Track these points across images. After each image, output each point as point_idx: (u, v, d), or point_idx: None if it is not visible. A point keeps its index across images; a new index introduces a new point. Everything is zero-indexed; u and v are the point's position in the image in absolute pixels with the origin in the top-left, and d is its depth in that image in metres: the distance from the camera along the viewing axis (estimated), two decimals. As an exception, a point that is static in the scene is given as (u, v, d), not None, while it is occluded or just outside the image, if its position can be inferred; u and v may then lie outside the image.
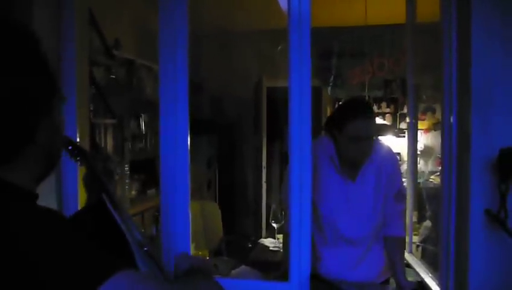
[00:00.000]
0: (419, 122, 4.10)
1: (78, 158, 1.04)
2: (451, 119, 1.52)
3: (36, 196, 0.74)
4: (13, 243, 0.61)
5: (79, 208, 1.75)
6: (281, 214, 2.75)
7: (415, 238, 2.75)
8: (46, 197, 1.67)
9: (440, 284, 1.62)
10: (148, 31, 1.98)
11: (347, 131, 1.77)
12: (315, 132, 1.76)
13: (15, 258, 0.60)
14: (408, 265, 2.13)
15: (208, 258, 2.39)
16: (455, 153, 1.50)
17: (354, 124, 1.76)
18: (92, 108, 2.73)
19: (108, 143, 3.21)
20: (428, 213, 3.11)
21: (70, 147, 1.04)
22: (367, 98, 4.50)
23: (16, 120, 0.66)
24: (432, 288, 1.73)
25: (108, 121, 3.19)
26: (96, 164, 1.09)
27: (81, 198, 1.79)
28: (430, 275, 1.88)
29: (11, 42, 0.68)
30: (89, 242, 0.65)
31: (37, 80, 0.69)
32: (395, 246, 1.91)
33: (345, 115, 1.81)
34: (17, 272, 0.60)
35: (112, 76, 3.31)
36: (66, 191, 1.75)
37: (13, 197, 0.68)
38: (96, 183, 1.05)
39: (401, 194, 1.93)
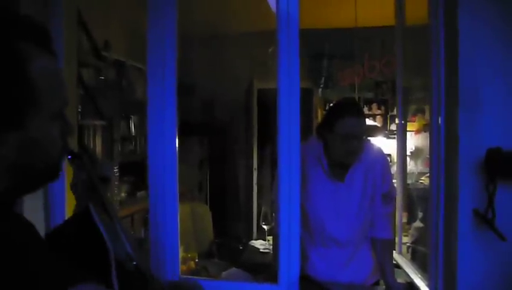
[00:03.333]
0: (409, 123, 4.12)
1: (77, 166, 1.03)
2: (439, 121, 1.53)
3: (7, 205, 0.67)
4: None
5: (66, 214, 1.73)
6: (272, 216, 2.75)
7: (405, 239, 2.76)
8: (33, 203, 1.65)
9: (429, 285, 1.62)
10: (138, 32, 1.97)
11: (337, 130, 1.78)
12: (306, 134, 1.76)
13: None
14: (398, 266, 2.13)
15: (197, 260, 2.37)
16: (443, 153, 1.51)
17: (343, 122, 1.77)
18: (80, 109, 2.71)
19: (98, 145, 3.19)
20: (420, 214, 3.12)
21: (69, 157, 1.02)
22: (357, 99, 4.52)
23: None
24: (422, 289, 1.73)
25: (97, 122, 3.17)
26: (94, 171, 1.06)
27: (69, 205, 1.77)
28: (420, 276, 1.88)
29: None
30: (49, 253, 0.62)
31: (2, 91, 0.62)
32: (383, 248, 1.91)
33: (335, 114, 1.83)
34: None
35: (101, 77, 3.29)
36: (52, 198, 1.73)
37: None
38: (89, 191, 1.02)
39: (389, 196, 1.93)
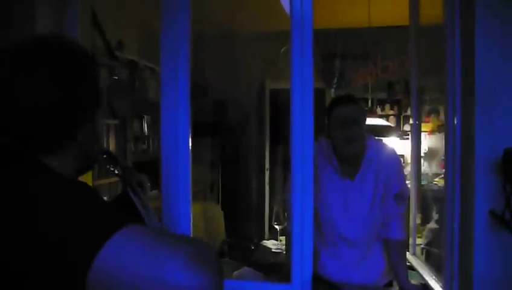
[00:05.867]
0: (423, 124, 4.08)
1: (111, 167, 1.13)
2: (455, 121, 1.51)
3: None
4: (28, 201, 0.69)
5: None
6: (284, 215, 2.74)
7: (419, 241, 2.73)
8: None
9: (444, 287, 1.61)
10: (152, 32, 1.98)
11: (333, 120, 1.86)
12: (319, 134, 1.77)
13: (38, 220, 0.67)
14: (412, 268, 2.11)
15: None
16: (459, 154, 1.49)
17: (337, 110, 1.86)
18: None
19: (111, 144, 3.21)
20: (435, 216, 3.09)
21: (105, 156, 1.16)
22: (370, 99, 4.49)
23: (64, 121, 0.79)
24: (436, 291, 1.71)
25: (111, 121, 3.19)
26: (128, 175, 1.21)
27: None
28: (434, 277, 1.86)
29: (71, 59, 0.81)
30: (107, 202, 0.78)
31: (87, 93, 0.82)
32: (395, 249, 1.89)
33: (330, 107, 1.91)
34: (26, 228, 0.66)
35: (114, 77, 3.31)
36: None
37: (49, 174, 0.78)
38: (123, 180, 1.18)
39: (402, 196, 1.91)
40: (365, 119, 1.90)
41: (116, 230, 0.65)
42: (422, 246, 2.81)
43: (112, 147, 3.23)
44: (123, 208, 1.06)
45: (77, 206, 0.69)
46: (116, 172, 1.18)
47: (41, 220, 0.66)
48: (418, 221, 2.51)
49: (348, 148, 1.85)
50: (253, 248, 3.13)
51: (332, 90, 5.04)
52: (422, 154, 4.13)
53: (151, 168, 3.69)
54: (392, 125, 4.85)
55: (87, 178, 1.86)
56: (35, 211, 0.67)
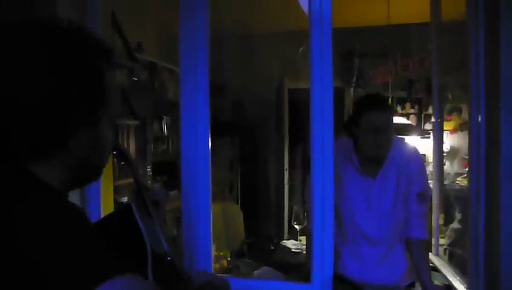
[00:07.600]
0: (445, 123, 4.01)
1: (122, 163, 1.09)
2: (479, 119, 1.48)
3: (62, 193, 0.72)
4: (18, 233, 0.59)
5: (101, 209, 1.78)
6: (304, 215, 2.72)
7: (442, 241, 2.69)
8: (70, 199, 1.70)
9: (469, 288, 1.58)
10: (171, 33, 1.99)
11: (364, 123, 1.77)
12: (338, 133, 1.74)
13: (16, 249, 0.58)
14: (435, 269, 2.08)
15: (229, 259, 2.38)
16: (483, 152, 1.46)
17: (369, 115, 1.75)
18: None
19: (131, 144, 3.25)
20: (458, 215, 3.03)
21: (115, 152, 1.08)
22: (390, 98, 4.43)
23: (51, 123, 0.65)
24: (460, 292, 1.68)
25: (131, 122, 3.22)
26: (137, 173, 1.12)
27: (104, 200, 1.81)
28: (458, 278, 1.83)
29: (64, 45, 0.67)
30: (96, 242, 0.63)
31: (82, 88, 0.67)
32: (418, 248, 1.86)
33: (361, 108, 1.82)
34: (16, 263, 0.58)
35: (134, 78, 3.34)
36: (89, 194, 1.77)
37: (35, 189, 0.66)
38: (134, 193, 1.08)
39: (424, 195, 1.88)
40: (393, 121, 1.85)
41: (107, 278, 0.56)
42: (445, 246, 2.76)
43: (132, 148, 3.27)
44: (125, 224, 0.96)
45: (53, 248, 0.58)
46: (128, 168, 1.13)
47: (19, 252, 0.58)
48: (441, 221, 2.47)
49: (377, 154, 1.81)
50: (272, 247, 3.12)
51: (352, 88, 4.99)
52: (444, 154, 4.06)
53: (170, 168, 3.74)
54: (413, 124, 4.78)
55: (107, 179, 1.89)
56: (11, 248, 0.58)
